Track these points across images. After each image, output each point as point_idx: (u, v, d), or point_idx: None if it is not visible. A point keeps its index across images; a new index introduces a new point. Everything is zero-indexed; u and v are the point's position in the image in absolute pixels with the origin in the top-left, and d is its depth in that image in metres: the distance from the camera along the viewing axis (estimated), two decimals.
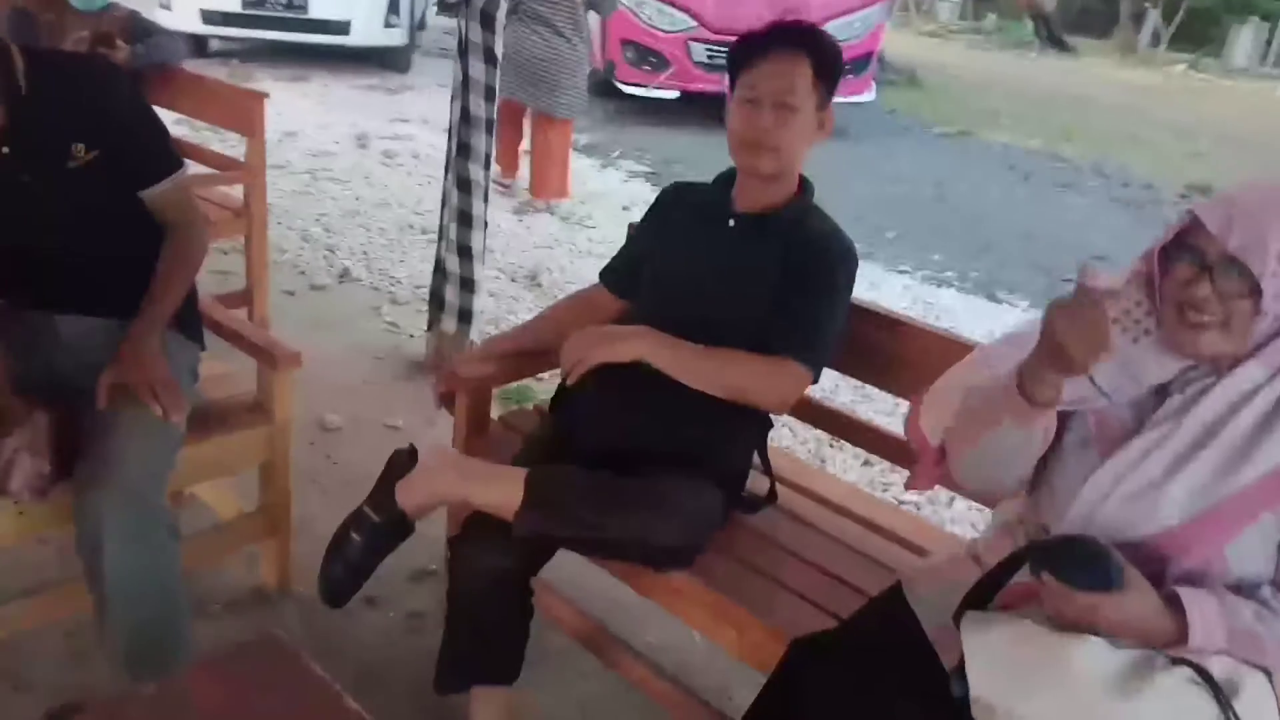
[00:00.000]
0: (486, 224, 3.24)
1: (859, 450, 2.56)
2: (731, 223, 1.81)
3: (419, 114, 7.35)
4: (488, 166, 3.16)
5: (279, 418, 2.06)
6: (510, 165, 5.69)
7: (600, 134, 7.35)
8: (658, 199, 1.98)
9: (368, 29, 8.29)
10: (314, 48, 8.35)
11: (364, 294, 4.02)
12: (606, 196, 5.88)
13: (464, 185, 3.13)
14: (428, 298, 3.86)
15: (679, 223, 1.90)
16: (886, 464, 2.69)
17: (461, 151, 3.10)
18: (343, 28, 8.17)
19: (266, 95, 3.28)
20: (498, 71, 3.06)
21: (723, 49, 7.59)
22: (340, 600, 1.69)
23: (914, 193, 6.73)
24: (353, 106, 7.42)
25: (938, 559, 1.48)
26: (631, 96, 7.93)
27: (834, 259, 1.74)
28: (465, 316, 3.28)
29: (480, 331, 3.34)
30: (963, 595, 1.29)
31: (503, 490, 1.58)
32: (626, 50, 7.72)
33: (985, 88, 12.05)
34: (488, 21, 3.00)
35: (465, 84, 3.04)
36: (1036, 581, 1.18)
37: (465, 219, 3.17)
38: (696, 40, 7.62)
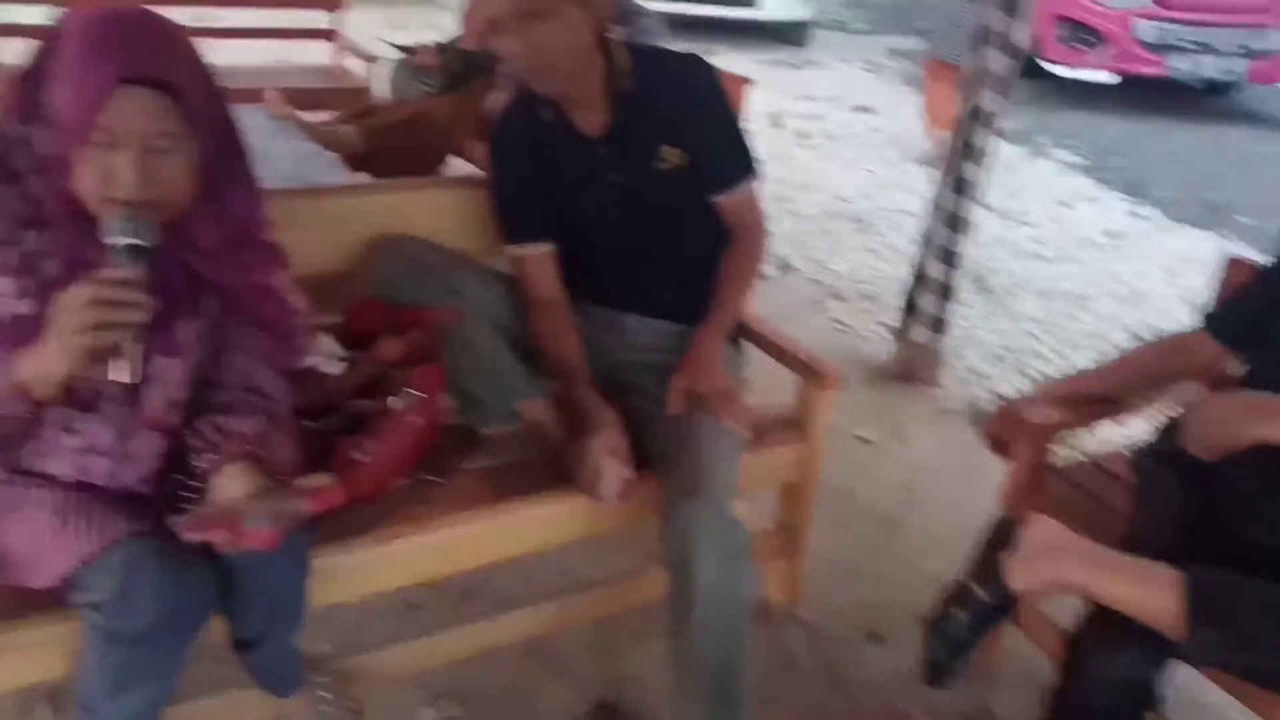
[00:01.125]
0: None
1: None
2: None
3: (826, 91, 7.19)
4: (988, 168, 2.92)
5: (814, 437, 1.97)
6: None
7: (1024, 119, 6.80)
8: None
9: (776, 2, 8.21)
10: (719, 21, 8.40)
11: (805, 286, 3.92)
12: (1040, 190, 5.41)
13: (961, 187, 2.90)
14: (876, 296, 3.73)
15: None
16: None
17: (965, 152, 2.87)
18: (750, 0, 8.16)
19: (750, 80, 3.22)
20: (1019, 65, 2.79)
21: (1177, 26, 6.74)
22: (943, 682, 1.55)
23: None
24: (760, 82, 7.36)
25: None
26: (1054, 76, 7.26)
27: None
28: (939, 326, 3.08)
29: (947, 342, 3.13)
30: None
31: (1143, 590, 1.35)
32: (1060, 28, 7.06)
33: None
34: (1011, 7, 2.74)
35: (979, 77, 2.80)
36: None
37: (956, 223, 2.95)
38: (1146, 17, 6.80)
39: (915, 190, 5.29)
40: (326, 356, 1.64)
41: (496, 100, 3.24)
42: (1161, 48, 6.79)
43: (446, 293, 1.78)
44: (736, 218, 1.86)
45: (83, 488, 1.29)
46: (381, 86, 4.14)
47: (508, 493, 1.71)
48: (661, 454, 1.72)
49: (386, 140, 3.47)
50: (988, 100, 2.79)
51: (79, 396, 1.26)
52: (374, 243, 1.84)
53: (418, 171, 3.47)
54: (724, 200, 1.84)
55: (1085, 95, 7.25)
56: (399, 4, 9.15)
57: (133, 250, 1.15)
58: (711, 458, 1.67)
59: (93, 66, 1.14)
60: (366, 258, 1.84)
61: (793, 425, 1.99)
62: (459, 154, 3.64)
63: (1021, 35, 2.76)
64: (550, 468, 1.77)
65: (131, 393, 1.27)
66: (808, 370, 1.95)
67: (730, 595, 1.62)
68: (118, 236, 1.15)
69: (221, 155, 1.30)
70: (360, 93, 4.25)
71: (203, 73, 1.25)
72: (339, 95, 4.19)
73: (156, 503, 1.33)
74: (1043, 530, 1.48)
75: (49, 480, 1.30)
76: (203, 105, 1.22)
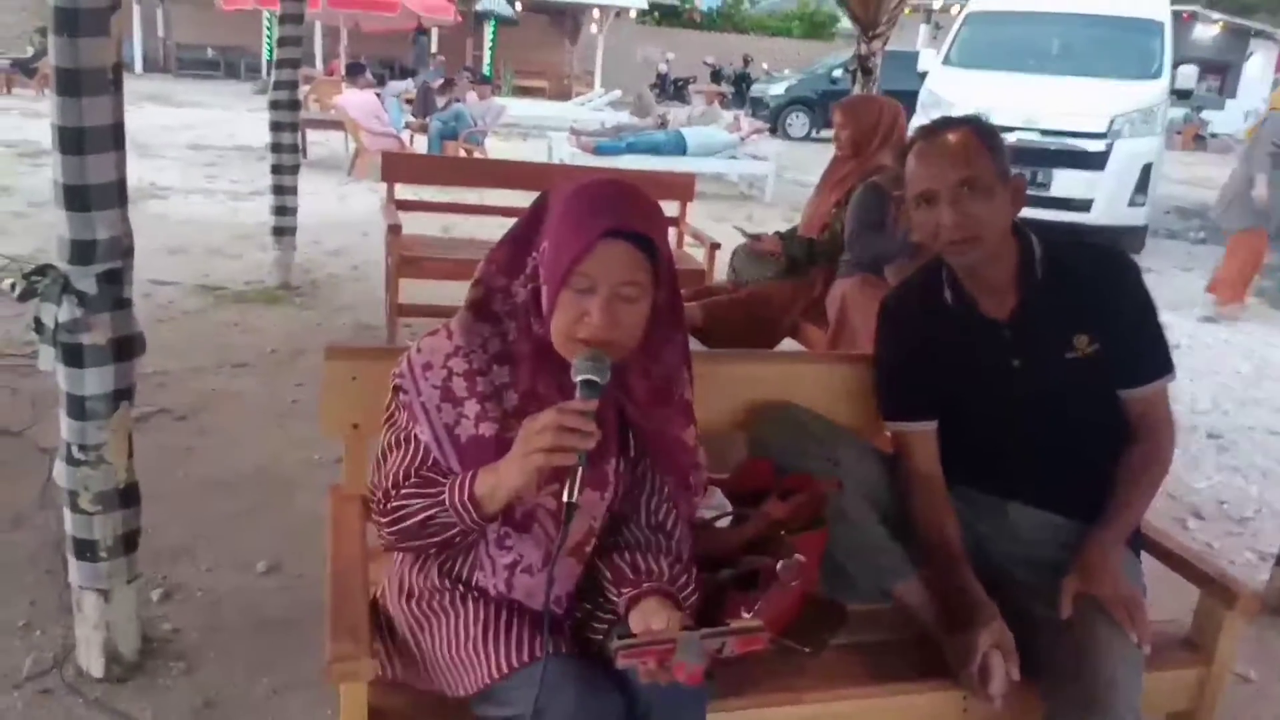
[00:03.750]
0: None
1: None
2: None
3: (1168, 301, 6.76)
4: None
5: (1218, 663, 1.75)
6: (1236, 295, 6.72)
7: None
8: None
9: (1111, 207, 7.97)
10: (1053, 225, 8.22)
11: (1162, 502, 3.57)
12: None
13: None
14: (1243, 518, 3.37)
15: None
16: None
17: None
18: (1085, 205, 7.96)
19: None
20: None
21: None
22: None
23: None
24: None
25: None
26: None
27: None
28: None
29: None
30: None
31: None
32: None
33: None
34: None
35: None
36: None
37: None
38: None
39: (1276, 407, 4.81)
40: (716, 510, 1.68)
41: (844, 286, 3.33)
42: None
43: (827, 463, 1.79)
44: (1144, 414, 1.76)
45: (506, 603, 1.38)
46: (719, 269, 4.39)
47: (875, 673, 1.66)
48: (1051, 659, 1.60)
49: (725, 318, 3.63)
50: None
51: (515, 516, 1.37)
52: (761, 407, 1.90)
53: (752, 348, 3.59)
54: (1134, 395, 1.75)
55: None
56: (723, 199, 9.81)
57: (589, 385, 1.26)
58: (1114, 672, 1.53)
59: (583, 221, 1.29)
60: (753, 420, 1.90)
61: (1191, 646, 1.79)
62: (793, 335, 3.74)
63: None
64: (916, 652, 1.70)
65: (563, 518, 1.36)
66: (1217, 587, 1.76)
67: None
68: (580, 372, 1.27)
69: (665, 314, 1.41)
70: (699, 274, 4.52)
71: (667, 235, 1.38)
72: (680, 276, 4.47)
73: (568, 626, 1.39)
74: None
75: (478, 591, 1.40)
76: (666, 264, 1.34)
